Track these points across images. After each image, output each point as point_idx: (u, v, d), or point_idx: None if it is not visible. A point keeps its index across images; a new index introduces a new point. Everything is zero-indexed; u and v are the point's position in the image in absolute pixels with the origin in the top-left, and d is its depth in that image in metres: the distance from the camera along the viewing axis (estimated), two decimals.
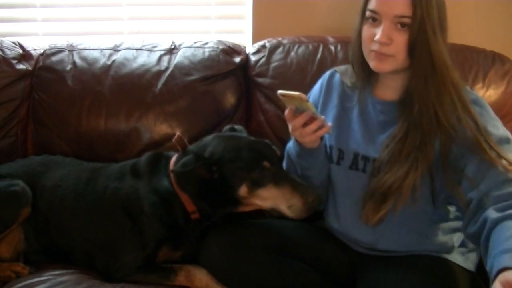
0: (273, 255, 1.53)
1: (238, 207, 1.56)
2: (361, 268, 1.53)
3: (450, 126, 1.35)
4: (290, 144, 1.58)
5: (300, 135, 1.44)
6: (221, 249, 1.50)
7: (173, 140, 1.62)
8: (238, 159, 1.50)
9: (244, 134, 1.68)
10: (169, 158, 1.65)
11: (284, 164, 1.66)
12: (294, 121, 1.42)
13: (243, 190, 1.50)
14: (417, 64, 1.37)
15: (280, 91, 1.37)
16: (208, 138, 1.60)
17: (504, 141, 1.33)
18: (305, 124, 1.41)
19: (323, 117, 1.40)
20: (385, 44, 1.36)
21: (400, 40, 1.35)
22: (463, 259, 1.48)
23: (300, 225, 1.70)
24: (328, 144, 1.57)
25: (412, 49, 1.35)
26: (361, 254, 1.54)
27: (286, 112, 1.42)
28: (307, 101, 1.34)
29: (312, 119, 1.39)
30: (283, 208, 1.49)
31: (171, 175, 1.58)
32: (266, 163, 1.50)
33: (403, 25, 1.34)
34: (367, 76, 1.48)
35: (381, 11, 1.36)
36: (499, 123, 1.40)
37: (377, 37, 1.36)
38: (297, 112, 1.40)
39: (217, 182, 1.51)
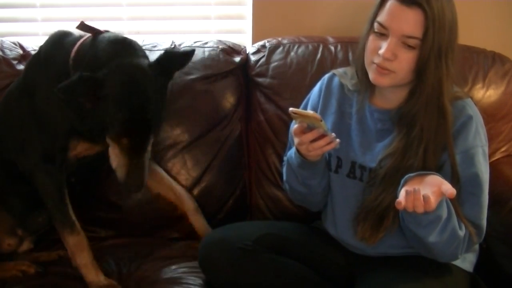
0: (272, 256, 1.53)
1: None
2: (359, 269, 1.53)
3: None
4: (291, 153, 1.53)
5: (306, 149, 1.40)
6: (221, 251, 1.51)
7: (76, 27, 1.55)
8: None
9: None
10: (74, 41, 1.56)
11: (284, 171, 1.65)
12: (303, 136, 1.37)
13: None
14: (423, 86, 1.35)
15: (292, 109, 1.33)
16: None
17: (471, 183, 1.36)
18: (313, 140, 1.37)
19: (333, 134, 1.36)
20: (388, 60, 1.34)
21: (404, 57, 1.33)
22: (460, 260, 1.47)
23: (298, 226, 1.70)
24: (327, 152, 1.55)
25: (420, 70, 1.33)
26: (359, 255, 1.54)
27: (295, 127, 1.38)
28: (321, 120, 1.31)
29: (322, 136, 1.36)
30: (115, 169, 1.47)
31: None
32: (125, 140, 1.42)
33: (410, 44, 1.32)
34: (369, 82, 1.46)
35: (390, 27, 1.33)
36: (482, 149, 1.40)
37: (381, 51, 1.34)
38: (308, 129, 1.37)
39: None
